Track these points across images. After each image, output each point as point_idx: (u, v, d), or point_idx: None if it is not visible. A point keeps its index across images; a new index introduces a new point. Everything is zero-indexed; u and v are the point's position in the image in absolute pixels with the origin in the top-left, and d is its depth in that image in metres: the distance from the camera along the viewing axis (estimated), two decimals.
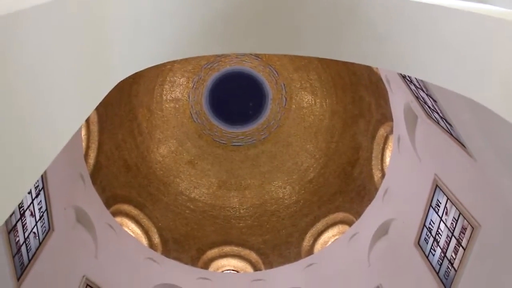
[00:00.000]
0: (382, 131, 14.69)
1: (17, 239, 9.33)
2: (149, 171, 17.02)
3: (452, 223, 10.28)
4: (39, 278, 10.10)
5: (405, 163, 12.68)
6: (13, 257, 9.06)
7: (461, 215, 9.88)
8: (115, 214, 14.99)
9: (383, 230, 13.85)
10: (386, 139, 14.62)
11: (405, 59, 4.45)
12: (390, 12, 4.24)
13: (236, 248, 17.50)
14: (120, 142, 15.94)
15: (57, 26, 2.38)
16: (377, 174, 15.05)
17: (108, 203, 14.75)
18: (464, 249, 9.61)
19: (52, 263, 10.81)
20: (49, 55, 2.30)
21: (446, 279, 10.34)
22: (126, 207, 15.85)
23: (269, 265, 16.80)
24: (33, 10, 2.01)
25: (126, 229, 15.34)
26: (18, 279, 9.32)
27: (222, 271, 17.07)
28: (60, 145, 2.55)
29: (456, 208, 10.07)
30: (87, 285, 12.04)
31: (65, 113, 2.60)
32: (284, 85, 17.89)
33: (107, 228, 13.95)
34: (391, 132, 13.95)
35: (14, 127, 2.04)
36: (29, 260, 9.90)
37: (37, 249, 10.33)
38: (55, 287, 10.84)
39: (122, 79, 3.77)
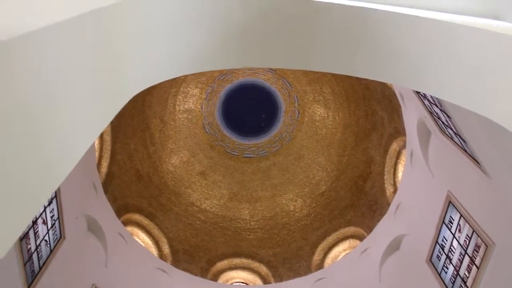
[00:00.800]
0: (395, 146, 14.59)
1: (29, 246, 9.40)
2: (161, 181, 17.08)
3: (465, 240, 10.13)
4: (49, 285, 10.14)
5: (418, 179, 12.57)
6: (25, 264, 9.12)
7: (474, 232, 9.74)
8: (126, 223, 15.04)
9: (394, 246, 13.70)
10: (399, 154, 14.52)
11: (420, 76, 4.43)
12: (405, 29, 4.24)
13: (246, 260, 17.42)
14: (132, 151, 16.04)
15: (72, 43, 2.41)
16: (389, 189, 14.93)
17: (119, 213, 14.81)
18: (478, 268, 9.46)
19: (62, 271, 10.85)
20: (64, 72, 2.33)
21: None
22: (137, 217, 15.90)
23: (279, 278, 16.68)
24: (48, 29, 2.04)
25: (136, 238, 15.37)
26: (29, 286, 9.37)
27: (232, 283, 16.98)
28: (74, 161, 2.56)
29: (470, 225, 9.93)
30: None
31: (79, 129, 2.62)
32: (297, 97, 17.92)
33: (117, 238, 13.99)
34: (404, 146, 13.86)
35: (29, 143, 2.06)
36: (40, 268, 9.95)
37: (48, 257, 10.38)
38: None
39: (136, 93, 3.80)
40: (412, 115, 12.08)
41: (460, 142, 9.54)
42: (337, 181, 17.11)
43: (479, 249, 9.52)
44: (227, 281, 16.97)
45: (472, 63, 4.03)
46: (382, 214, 14.82)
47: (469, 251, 9.93)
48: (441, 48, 4.18)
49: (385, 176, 15.12)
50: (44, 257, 10.21)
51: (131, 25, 3.42)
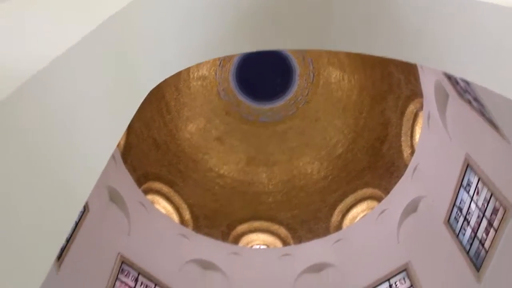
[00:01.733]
0: (411, 108, 14.42)
1: None
2: (178, 149, 17.25)
3: (483, 203, 10.15)
4: (77, 257, 10.54)
5: (435, 141, 12.48)
6: None
7: (493, 196, 9.74)
8: (146, 192, 15.35)
9: (412, 207, 13.79)
10: (416, 116, 14.37)
11: (441, 55, 4.31)
12: (426, 6, 4.10)
13: (265, 223, 17.74)
14: (149, 121, 16.16)
15: (87, 64, 2.42)
16: (406, 151, 14.88)
17: (139, 182, 15.10)
18: (496, 230, 9.52)
19: (88, 243, 11.24)
20: (82, 90, 2.35)
21: (477, 259, 10.30)
22: (157, 185, 16.20)
23: (298, 240, 17.00)
24: (66, 53, 2.05)
25: (157, 206, 15.72)
26: (58, 259, 9.77)
27: (252, 246, 17.38)
28: (95, 177, 2.61)
29: (488, 188, 9.92)
30: (122, 262, 12.49)
31: (98, 141, 2.65)
32: (311, 60, 17.67)
33: (139, 206, 14.34)
34: (421, 108, 13.69)
35: (51, 167, 2.11)
36: (67, 242, 10.33)
37: (74, 230, 10.75)
38: (92, 265, 11.29)
39: (151, 88, 3.80)
40: (429, 77, 11.86)
41: (479, 107, 9.40)
42: (353, 143, 17.08)
43: (497, 212, 9.55)
44: (247, 243, 17.37)
45: (497, 42, 3.89)
46: (399, 176, 14.84)
47: (487, 214, 9.97)
48: (465, 26, 4.03)
49: (402, 138, 15.04)
50: (71, 231, 10.57)
51: (142, 25, 3.39)
